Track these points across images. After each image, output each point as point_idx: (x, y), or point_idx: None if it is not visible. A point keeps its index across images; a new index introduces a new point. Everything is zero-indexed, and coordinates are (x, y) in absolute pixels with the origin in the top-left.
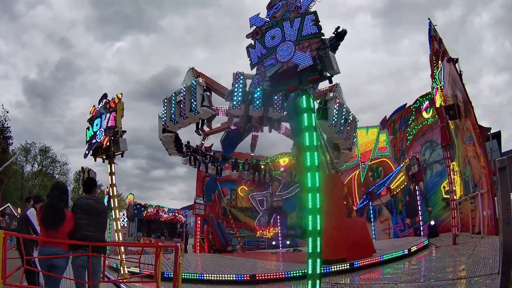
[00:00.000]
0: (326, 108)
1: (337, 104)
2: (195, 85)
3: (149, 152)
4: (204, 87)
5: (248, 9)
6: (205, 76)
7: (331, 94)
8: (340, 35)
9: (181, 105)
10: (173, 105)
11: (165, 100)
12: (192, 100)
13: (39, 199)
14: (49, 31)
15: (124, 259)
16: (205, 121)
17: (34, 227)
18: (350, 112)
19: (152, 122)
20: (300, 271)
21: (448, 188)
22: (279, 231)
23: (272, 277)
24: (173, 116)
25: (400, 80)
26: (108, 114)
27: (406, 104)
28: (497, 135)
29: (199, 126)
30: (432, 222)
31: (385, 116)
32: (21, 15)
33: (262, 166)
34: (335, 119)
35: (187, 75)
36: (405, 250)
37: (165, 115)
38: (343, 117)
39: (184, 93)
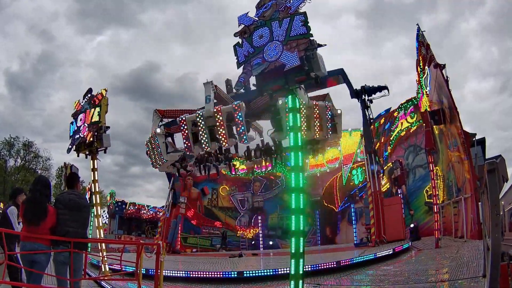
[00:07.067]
0: (335, 124)
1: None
2: (155, 137)
3: (125, 148)
4: (165, 134)
5: (228, 6)
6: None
7: (339, 111)
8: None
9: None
10: (153, 149)
11: (147, 143)
12: (160, 150)
13: (16, 192)
14: (32, 22)
15: (105, 256)
16: (184, 160)
17: (12, 226)
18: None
19: (129, 118)
20: None
21: (431, 192)
22: (260, 232)
23: None
24: (157, 158)
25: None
26: (92, 110)
27: (390, 108)
28: (482, 142)
29: (180, 167)
30: (412, 225)
31: None
32: (5, 6)
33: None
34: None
35: (153, 119)
36: (390, 251)
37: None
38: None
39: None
